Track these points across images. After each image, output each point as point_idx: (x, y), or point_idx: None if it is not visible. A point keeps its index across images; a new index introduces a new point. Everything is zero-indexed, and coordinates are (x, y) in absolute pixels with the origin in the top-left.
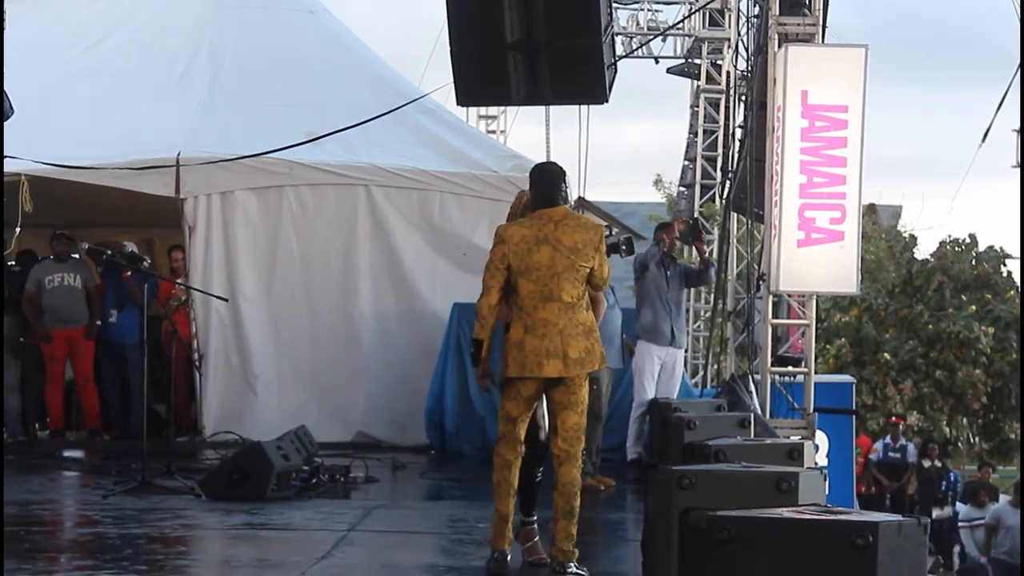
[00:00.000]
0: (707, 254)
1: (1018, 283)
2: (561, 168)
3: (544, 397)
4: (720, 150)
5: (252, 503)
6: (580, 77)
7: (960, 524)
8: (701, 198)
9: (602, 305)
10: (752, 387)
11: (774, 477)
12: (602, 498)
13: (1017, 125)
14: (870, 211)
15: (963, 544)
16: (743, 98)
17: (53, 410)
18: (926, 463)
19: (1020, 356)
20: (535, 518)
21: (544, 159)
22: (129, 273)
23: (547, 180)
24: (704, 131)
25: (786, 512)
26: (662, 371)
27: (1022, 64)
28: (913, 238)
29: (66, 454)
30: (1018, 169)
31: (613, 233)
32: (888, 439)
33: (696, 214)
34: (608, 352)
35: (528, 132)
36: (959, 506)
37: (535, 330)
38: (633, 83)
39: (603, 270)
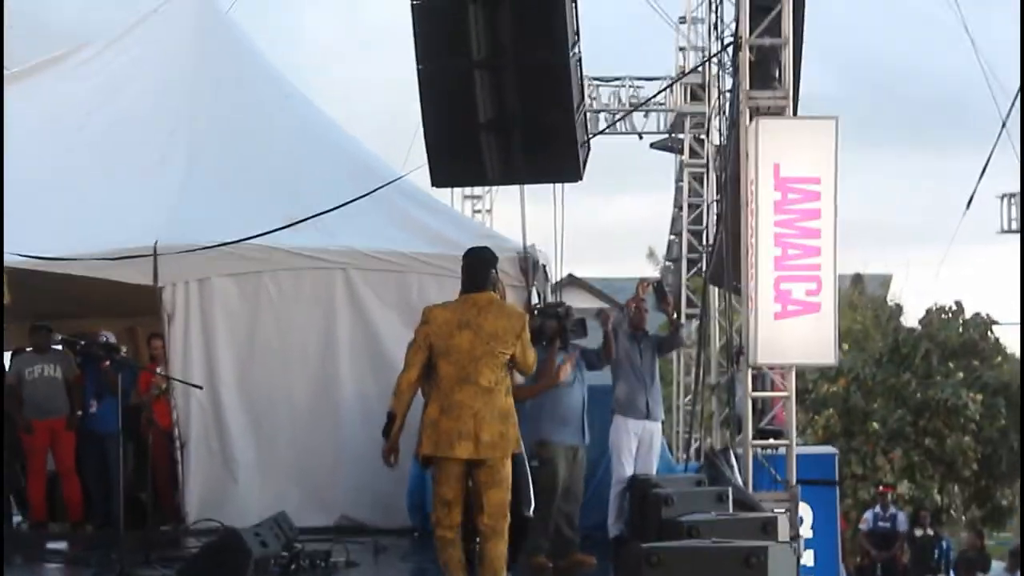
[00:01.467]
0: (674, 316)
1: (1011, 348)
2: (491, 254)
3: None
4: (705, 224)
5: None
6: (554, 155)
7: None
8: (688, 272)
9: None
10: (733, 461)
11: (744, 552)
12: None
13: (1001, 191)
14: (856, 280)
15: None
16: (718, 172)
17: (35, 502)
18: (918, 531)
19: (1021, 415)
20: None
21: (522, 238)
22: (107, 363)
23: (475, 265)
24: (689, 205)
25: None
26: (639, 446)
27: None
28: (899, 307)
29: (48, 546)
30: (1006, 234)
31: (568, 315)
32: (878, 508)
33: (683, 288)
34: (563, 430)
35: (514, 210)
36: None
37: (450, 411)
38: (621, 159)
39: (526, 357)
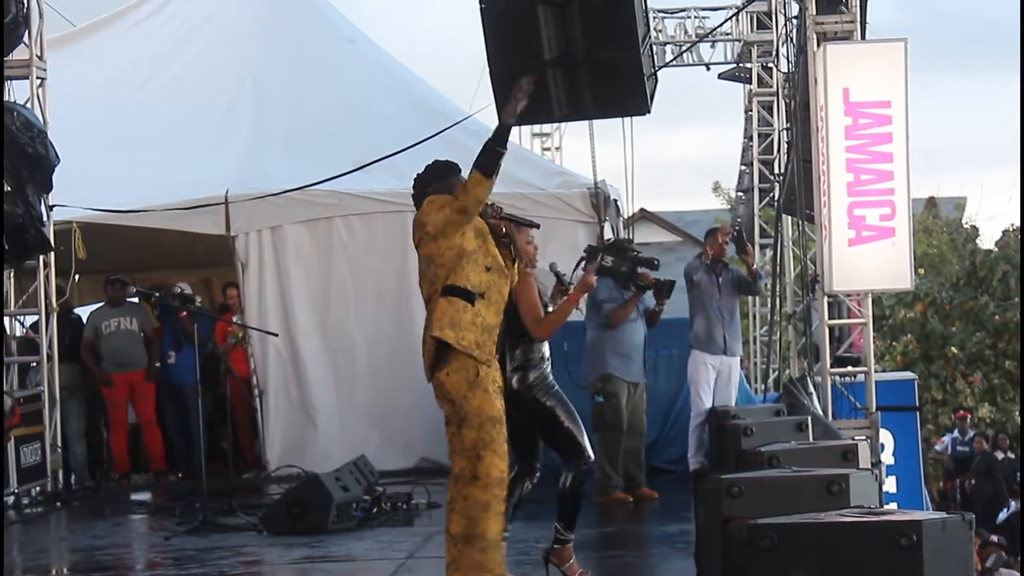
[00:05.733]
0: (754, 265)
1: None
2: (425, 171)
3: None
4: (776, 153)
5: (313, 536)
6: (621, 89)
7: None
8: (760, 203)
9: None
10: (812, 389)
11: (824, 480)
12: (658, 508)
13: None
14: (930, 204)
15: None
16: (788, 100)
17: (118, 454)
18: (999, 455)
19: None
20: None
21: (592, 174)
22: (184, 313)
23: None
24: (759, 135)
25: (828, 516)
26: (718, 379)
27: None
28: (975, 229)
29: (132, 497)
30: None
31: (656, 267)
32: (956, 433)
33: (755, 218)
34: (627, 366)
35: (584, 147)
36: None
37: None
38: (689, 91)
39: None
